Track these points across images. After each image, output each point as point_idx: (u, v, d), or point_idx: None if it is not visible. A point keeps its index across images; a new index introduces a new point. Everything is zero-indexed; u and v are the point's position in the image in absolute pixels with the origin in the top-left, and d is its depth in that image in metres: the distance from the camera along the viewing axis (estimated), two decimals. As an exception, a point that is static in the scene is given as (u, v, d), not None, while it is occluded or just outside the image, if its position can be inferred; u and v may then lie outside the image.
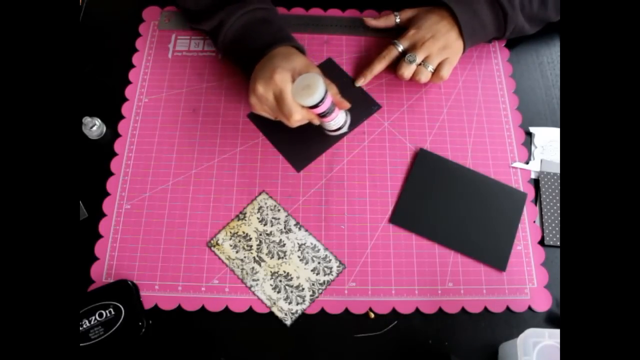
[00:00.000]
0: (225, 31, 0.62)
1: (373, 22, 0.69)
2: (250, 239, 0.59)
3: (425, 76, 0.62)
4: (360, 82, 0.66)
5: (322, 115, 0.55)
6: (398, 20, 0.68)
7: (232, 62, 0.67)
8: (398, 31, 0.66)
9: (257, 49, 0.59)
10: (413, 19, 0.66)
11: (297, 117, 0.54)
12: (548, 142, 0.65)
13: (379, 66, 0.65)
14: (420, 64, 0.63)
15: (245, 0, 0.62)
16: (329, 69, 0.68)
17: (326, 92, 0.52)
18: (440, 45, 0.62)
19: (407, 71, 0.63)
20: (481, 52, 0.70)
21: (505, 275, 0.58)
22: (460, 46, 0.64)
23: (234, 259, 0.58)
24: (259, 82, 0.54)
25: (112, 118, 0.65)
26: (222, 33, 0.62)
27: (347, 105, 0.59)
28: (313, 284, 0.57)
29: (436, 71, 0.63)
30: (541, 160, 0.64)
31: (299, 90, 0.52)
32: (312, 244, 0.59)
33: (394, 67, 0.65)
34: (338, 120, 0.58)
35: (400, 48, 0.64)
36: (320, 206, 0.60)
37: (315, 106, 0.53)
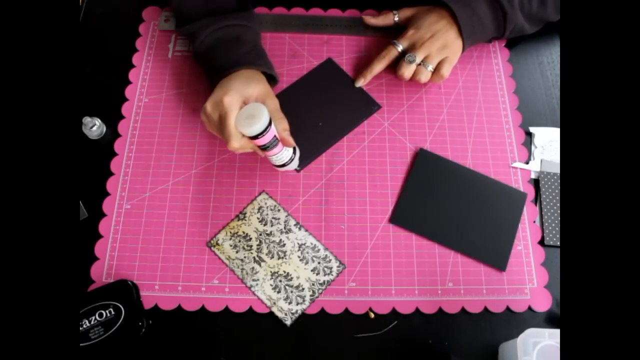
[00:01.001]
0: (198, 43, 0.61)
1: (372, 21, 0.69)
2: (250, 239, 0.59)
3: (425, 76, 0.62)
4: (360, 83, 0.66)
5: (262, 148, 0.54)
6: (397, 18, 0.68)
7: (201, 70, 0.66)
8: (397, 31, 0.66)
9: (221, 67, 0.58)
10: (412, 18, 0.66)
11: (235, 145, 0.52)
12: (548, 142, 0.65)
13: (379, 66, 0.65)
14: (420, 64, 0.63)
15: (226, 13, 0.61)
16: (329, 69, 0.68)
17: (269, 125, 0.51)
18: (440, 44, 0.62)
19: (407, 71, 0.63)
20: (481, 52, 0.70)
21: (505, 275, 0.58)
22: (460, 45, 0.64)
23: (234, 259, 0.58)
24: (209, 101, 0.54)
25: (112, 118, 0.65)
26: (196, 44, 0.62)
27: (292, 143, 0.57)
28: (313, 284, 0.57)
29: (436, 70, 0.63)
30: (541, 160, 0.64)
31: (242, 118, 0.51)
32: (312, 244, 0.59)
33: (393, 67, 0.65)
34: (281, 156, 0.56)
35: (400, 48, 0.64)
36: (320, 206, 0.60)
37: (256, 137, 0.51)
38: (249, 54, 0.60)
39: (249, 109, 0.52)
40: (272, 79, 0.63)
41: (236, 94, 0.53)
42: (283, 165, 0.58)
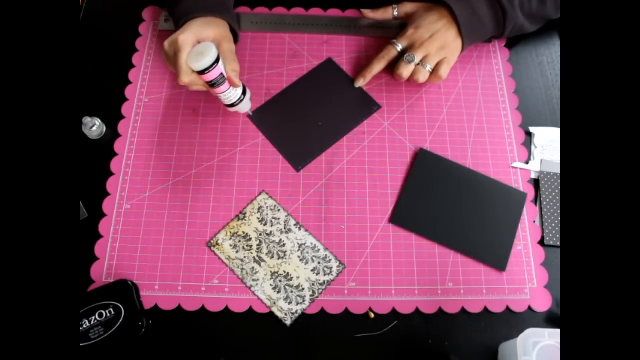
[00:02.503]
0: None
1: (371, 15, 0.68)
2: (250, 239, 0.59)
3: (423, 76, 0.62)
4: (360, 83, 0.66)
5: (210, 84, 0.57)
6: (396, 13, 0.67)
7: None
8: (397, 31, 0.66)
9: (184, 11, 0.61)
10: (412, 16, 0.66)
11: (185, 79, 0.56)
12: (548, 142, 0.65)
13: (378, 66, 0.65)
14: (418, 64, 0.63)
15: None
16: (329, 69, 0.68)
17: (216, 62, 0.55)
18: (439, 44, 0.62)
19: (406, 71, 0.62)
20: (481, 52, 0.70)
21: (505, 275, 0.58)
22: (459, 45, 0.64)
23: (234, 259, 0.58)
24: (167, 40, 0.58)
25: (112, 118, 0.65)
26: None
27: (237, 83, 0.58)
28: (313, 284, 0.57)
29: (434, 71, 0.63)
30: (541, 160, 0.64)
31: (192, 55, 0.55)
32: (312, 244, 0.59)
33: (393, 67, 0.65)
34: (229, 95, 0.59)
35: (399, 48, 0.64)
36: (320, 206, 0.60)
37: (203, 72, 0.55)
38: (216, 4, 0.63)
39: (200, 47, 0.56)
40: (235, 34, 0.65)
41: (190, 34, 0.56)
42: (232, 105, 0.61)
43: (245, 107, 0.62)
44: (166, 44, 0.58)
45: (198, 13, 0.60)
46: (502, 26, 0.64)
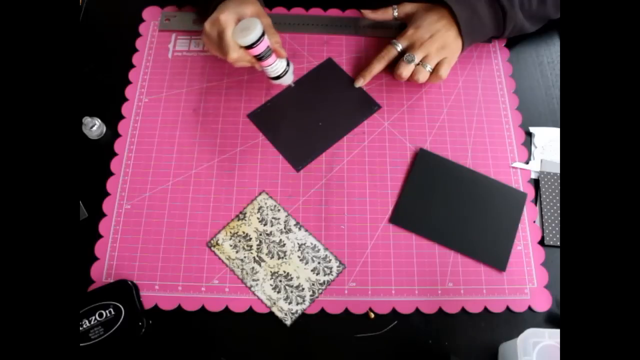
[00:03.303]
0: None
1: (371, 15, 0.68)
2: (250, 239, 0.59)
3: (423, 76, 0.62)
4: (360, 83, 0.66)
5: (258, 58, 0.58)
6: (396, 13, 0.67)
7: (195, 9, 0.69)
8: (397, 31, 0.66)
9: None
10: (412, 16, 0.66)
11: (234, 55, 0.57)
12: (548, 142, 0.65)
13: (378, 66, 0.65)
14: (418, 64, 0.63)
15: None
16: (329, 69, 0.68)
17: (262, 35, 0.56)
18: (439, 44, 0.62)
19: (406, 71, 0.62)
20: (481, 52, 0.70)
21: (505, 275, 0.58)
22: (459, 45, 0.64)
23: (234, 259, 0.58)
24: (207, 21, 0.58)
25: (112, 118, 0.65)
26: None
27: (284, 54, 0.61)
28: (313, 284, 0.57)
29: (434, 71, 0.63)
30: (541, 160, 0.64)
31: (238, 31, 0.56)
32: (312, 244, 0.59)
33: (393, 67, 0.65)
34: (276, 67, 0.60)
35: (399, 48, 0.64)
36: (320, 206, 0.60)
37: (251, 47, 0.56)
38: None
39: (244, 23, 0.57)
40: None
41: (231, 12, 0.57)
42: (278, 77, 0.62)
43: (289, 79, 0.63)
44: (207, 25, 0.58)
45: None
46: (502, 26, 0.64)
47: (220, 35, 0.57)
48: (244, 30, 0.56)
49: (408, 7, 0.67)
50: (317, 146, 0.64)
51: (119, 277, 0.57)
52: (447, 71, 0.63)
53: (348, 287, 0.57)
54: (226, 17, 0.56)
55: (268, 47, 0.57)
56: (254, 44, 0.55)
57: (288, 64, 0.62)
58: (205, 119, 0.65)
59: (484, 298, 0.57)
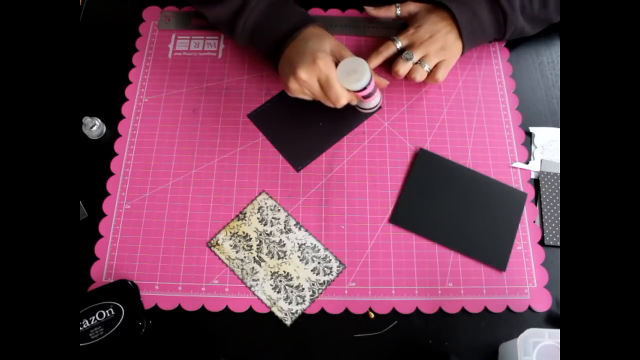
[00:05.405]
0: (247, 15, 0.60)
1: (373, 12, 0.68)
2: (250, 239, 0.59)
3: (420, 75, 0.62)
4: None
5: (365, 97, 0.58)
6: (399, 12, 0.67)
7: (251, 47, 0.65)
8: (398, 31, 0.66)
9: (286, 31, 0.59)
10: (414, 16, 0.66)
11: (344, 102, 0.56)
12: (548, 142, 0.65)
13: (376, 61, 0.65)
14: (416, 63, 0.63)
15: None
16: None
17: (372, 75, 0.55)
18: (439, 46, 0.62)
19: (403, 68, 0.62)
20: (481, 52, 0.70)
21: (505, 275, 0.58)
22: (459, 48, 0.64)
23: (234, 259, 0.58)
24: (301, 68, 0.54)
25: (112, 118, 0.65)
26: (243, 17, 0.60)
27: (386, 82, 0.62)
28: (313, 284, 0.57)
29: (431, 73, 0.63)
30: (541, 160, 0.64)
31: (345, 75, 0.54)
32: (312, 244, 0.59)
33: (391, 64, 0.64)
34: (377, 98, 0.61)
35: (399, 45, 0.64)
36: (320, 206, 0.60)
37: (362, 89, 0.55)
38: (304, 12, 0.61)
39: (347, 65, 0.54)
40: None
41: (325, 55, 0.54)
42: (374, 107, 0.62)
43: (380, 102, 0.64)
44: (303, 74, 0.54)
45: (304, 25, 0.58)
46: (502, 29, 0.64)
47: (324, 83, 0.54)
48: (351, 73, 0.54)
49: (411, 6, 0.66)
50: (317, 146, 0.64)
51: (119, 277, 0.57)
52: (444, 74, 0.63)
53: (348, 287, 0.57)
54: (324, 62, 0.53)
55: (374, 83, 0.57)
56: (366, 86, 0.55)
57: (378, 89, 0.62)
58: (205, 119, 0.65)
59: (484, 298, 0.57)
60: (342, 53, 0.57)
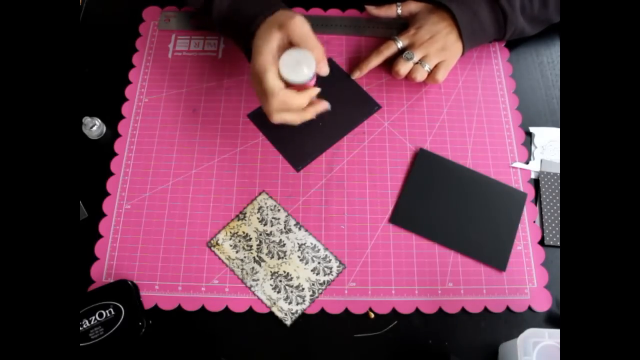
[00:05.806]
0: (218, 2, 0.59)
1: (374, 11, 0.68)
2: (250, 239, 0.59)
3: (421, 75, 0.62)
4: (356, 75, 0.66)
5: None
6: (399, 11, 0.67)
7: (229, 37, 0.63)
8: (398, 31, 0.66)
9: (248, 23, 0.56)
10: (415, 16, 0.66)
11: (277, 104, 0.52)
12: (548, 142, 0.65)
13: (376, 60, 0.65)
14: (417, 63, 0.63)
15: None
16: (329, 69, 0.68)
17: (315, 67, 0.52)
18: (439, 46, 0.62)
19: (403, 68, 0.63)
20: (481, 52, 0.70)
21: (505, 275, 0.58)
22: (459, 48, 0.64)
23: (234, 259, 0.58)
24: (253, 69, 0.52)
25: (112, 118, 0.65)
26: (215, 4, 0.59)
27: (327, 70, 0.56)
28: (313, 284, 0.57)
29: (432, 73, 0.63)
30: (541, 160, 0.64)
31: (286, 67, 0.51)
32: (312, 244, 0.59)
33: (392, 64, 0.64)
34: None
35: (400, 44, 0.64)
36: (320, 206, 0.60)
37: (305, 82, 0.53)
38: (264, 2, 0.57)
39: (291, 57, 0.51)
40: None
41: (263, 51, 0.52)
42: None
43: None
44: (252, 79, 0.53)
45: (260, 17, 0.55)
46: (502, 30, 0.64)
47: (260, 80, 0.52)
48: (294, 66, 0.51)
49: (412, 6, 0.66)
50: (317, 146, 0.64)
51: (119, 277, 0.57)
52: (444, 75, 0.63)
53: (348, 287, 0.57)
54: (258, 59, 0.51)
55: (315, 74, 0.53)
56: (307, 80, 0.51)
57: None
58: (205, 119, 0.65)
59: (484, 298, 0.57)
60: (290, 28, 0.52)
